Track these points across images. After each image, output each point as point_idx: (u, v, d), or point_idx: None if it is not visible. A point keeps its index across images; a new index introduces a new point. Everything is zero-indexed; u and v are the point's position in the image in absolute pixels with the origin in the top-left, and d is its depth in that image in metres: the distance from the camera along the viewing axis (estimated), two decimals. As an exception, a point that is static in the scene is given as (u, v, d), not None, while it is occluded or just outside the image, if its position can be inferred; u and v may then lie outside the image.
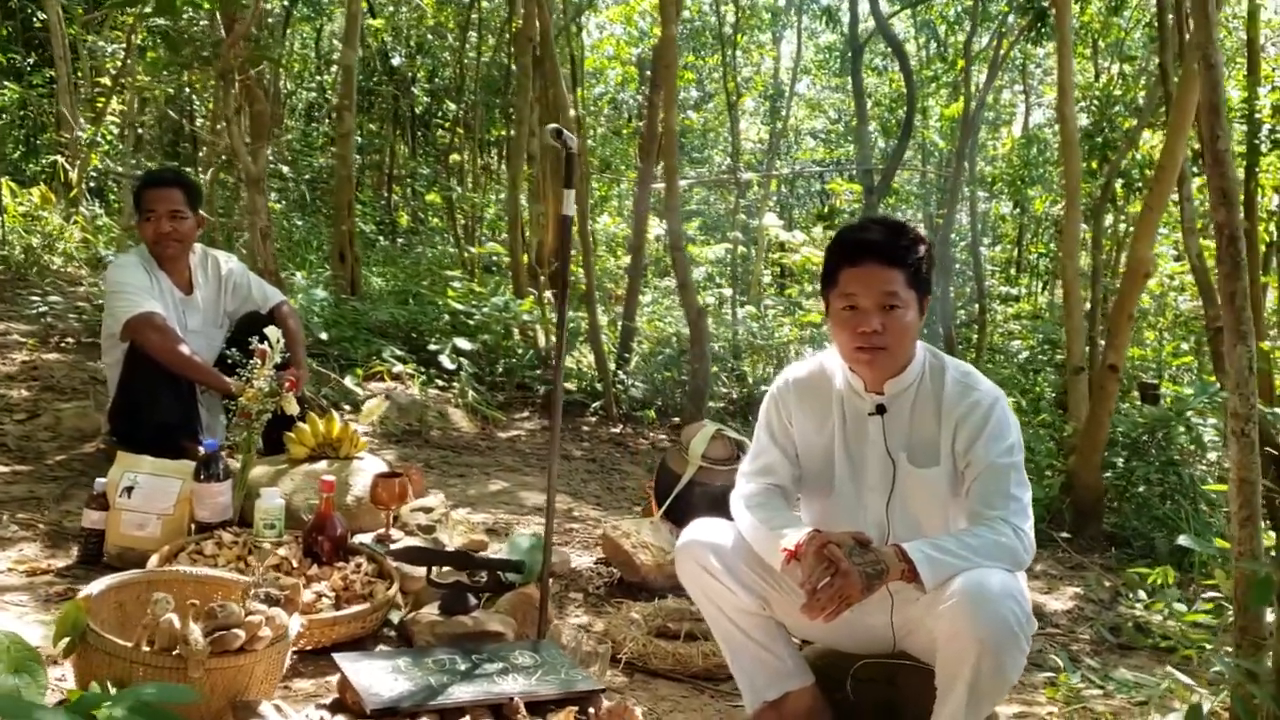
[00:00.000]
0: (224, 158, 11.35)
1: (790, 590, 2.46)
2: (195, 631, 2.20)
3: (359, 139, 12.26)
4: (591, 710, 2.47)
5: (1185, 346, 10.60)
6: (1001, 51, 10.89)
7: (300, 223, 12.32)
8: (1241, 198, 6.63)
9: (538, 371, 6.80)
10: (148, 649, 2.17)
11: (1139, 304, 7.73)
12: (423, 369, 6.20)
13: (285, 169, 12.49)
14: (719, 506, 3.69)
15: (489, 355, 6.87)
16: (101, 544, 3.13)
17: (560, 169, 9.47)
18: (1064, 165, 5.23)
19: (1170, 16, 5.56)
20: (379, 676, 2.43)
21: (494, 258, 11.26)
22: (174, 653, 2.16)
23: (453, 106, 13.55)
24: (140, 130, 12.69)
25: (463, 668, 2.53)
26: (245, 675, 2.24)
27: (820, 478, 2.58)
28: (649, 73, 8.55)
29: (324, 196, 14.50)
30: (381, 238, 13.22)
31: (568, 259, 2.77)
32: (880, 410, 2.48)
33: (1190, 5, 2.74)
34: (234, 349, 3.49)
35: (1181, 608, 3.70)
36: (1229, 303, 2.60)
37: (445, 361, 6.26)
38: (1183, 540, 3.64)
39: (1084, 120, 8.20)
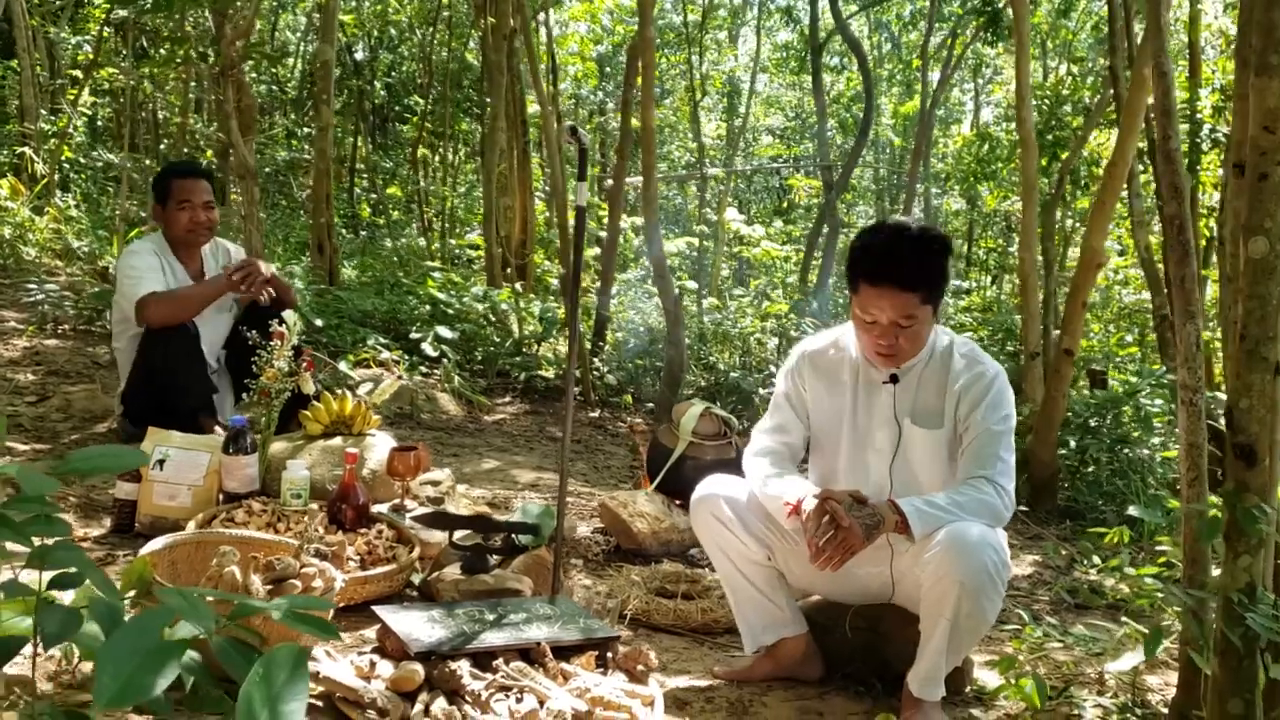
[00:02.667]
0: (186, 150, 11.47)
1: (794, 542, 2.73)
2: (256, 582, 2.42)
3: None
4: (609, 655, 2.72)
5: (1129, 338, 11.02)
6: (955, 52, 11.24)
7: (263, 215, 12.41)
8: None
9: (516, 359, 7.03)
10: (211, 599, 2.39)
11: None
12: (406, 356, 6.41)
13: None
14: (708, 479, 3.96)
15: (467, 343, 7.09)
16: (134, 514, 3.33)
17: (527, 163, 9.72)
18: (1021, 163, 5.53)
19: (1121, 23, 5.89)
20: (417, 625, 2.65)
21: (458, 250, 11.44)
22: (235, 601, 2.38)
23: (420, 101, 13.68)
24: (100, 122, 12.72)
25: (490, 618, 2.76)
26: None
27: (829, 439, 2.84)
28: (624, 71, 8.77)
29: (284, 189, 14.59)
30: (344, 230, 13.36)
31: (581, 248, 2.99)
32: (893, 380, 2.75)
33: (1145, 17, 3.03)
34: (254, 331, 3.68)
35: (1131, 570, 4.01)
36: (1179, 286, 2.89)
37: (428, 349, 6.48)
38: (1133, 510, 3.96)
39: (1033, 119, 8.55)
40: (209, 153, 11.37)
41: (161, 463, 3.33)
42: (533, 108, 11.11)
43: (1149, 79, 4.67)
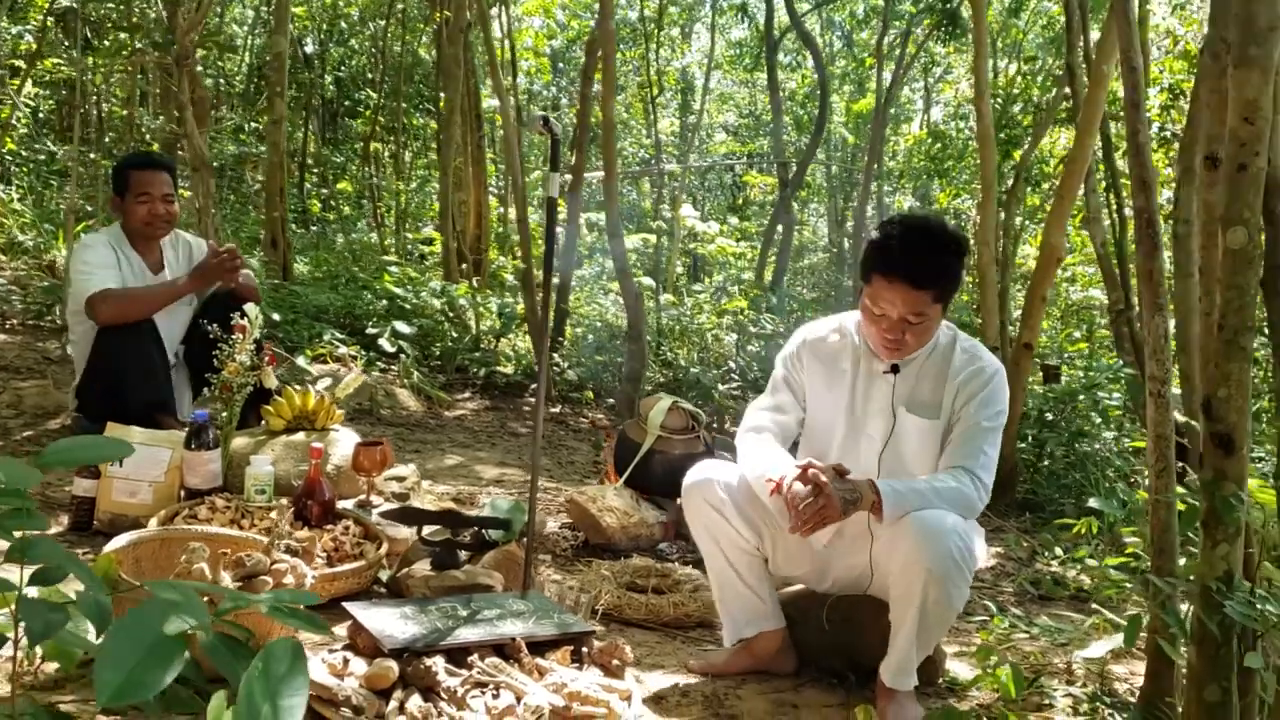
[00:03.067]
0: (133, 143, 11.24)
1: (779, 525, 2.74)
2: (225, 578, 2.37)
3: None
4: (585, 650, 2.70)
5: (1077, 334, 11.16)
6: (909, 50, 11.31)
7: (212, 210, 12.20)
8: (1127, 191, 7.07)
9: (475, 354, 6.97)
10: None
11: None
12: (363, 352, 6.34)
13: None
14: (676, 474, 3.95)
15: (424, 339, 7.02)
16: (92, 511, 3.25)
17: (482, 158, 9.66)
18: (980, 159, 5.58)
19: (1076, 19, 5.95)
20: (390, 621, 2.61)
21: (410, 245, 11.35)
22: (205, 599, 2.32)
23: (372, 95, 13.55)
24: (41, 114, 12.42)
25: (464, 613, 2.72)
26: (269, 621, 2.40)
27: (824, 425, 2.84)
28: (582, 65, 8.72)
29: (233, 184, 14.36)
30: (295, 225, 13.19)
31: (553, 239, 2.96)
32: (894, 370, 2.75)
33: (1111, 12, 3.05)
34: (214, 324, 3.59)
35: (1093, 562, 4.07)
36: (1147, 279, 2.92)
37: (385, 344, 6.41)
38: (1093, 503, 4.00)
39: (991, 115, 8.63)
40: (154, 145, 11.16)
41: (121, 459, 3.25)
42: (486, 102, 11.04)
43: (1108, 75, 4.73)
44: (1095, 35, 5.63)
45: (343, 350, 6.14)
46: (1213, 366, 2.04)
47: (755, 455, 2.74)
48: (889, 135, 17.24)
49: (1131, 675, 3.27)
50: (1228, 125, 2.01)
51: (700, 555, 3.69)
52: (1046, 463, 5.86)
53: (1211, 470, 2.06)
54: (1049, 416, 5.94)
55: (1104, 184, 6.05)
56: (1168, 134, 8.76)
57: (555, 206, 2.98)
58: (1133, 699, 3.02)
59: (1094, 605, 3.32)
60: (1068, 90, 6.10)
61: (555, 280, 7.79)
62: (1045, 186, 10.86)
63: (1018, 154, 8.93)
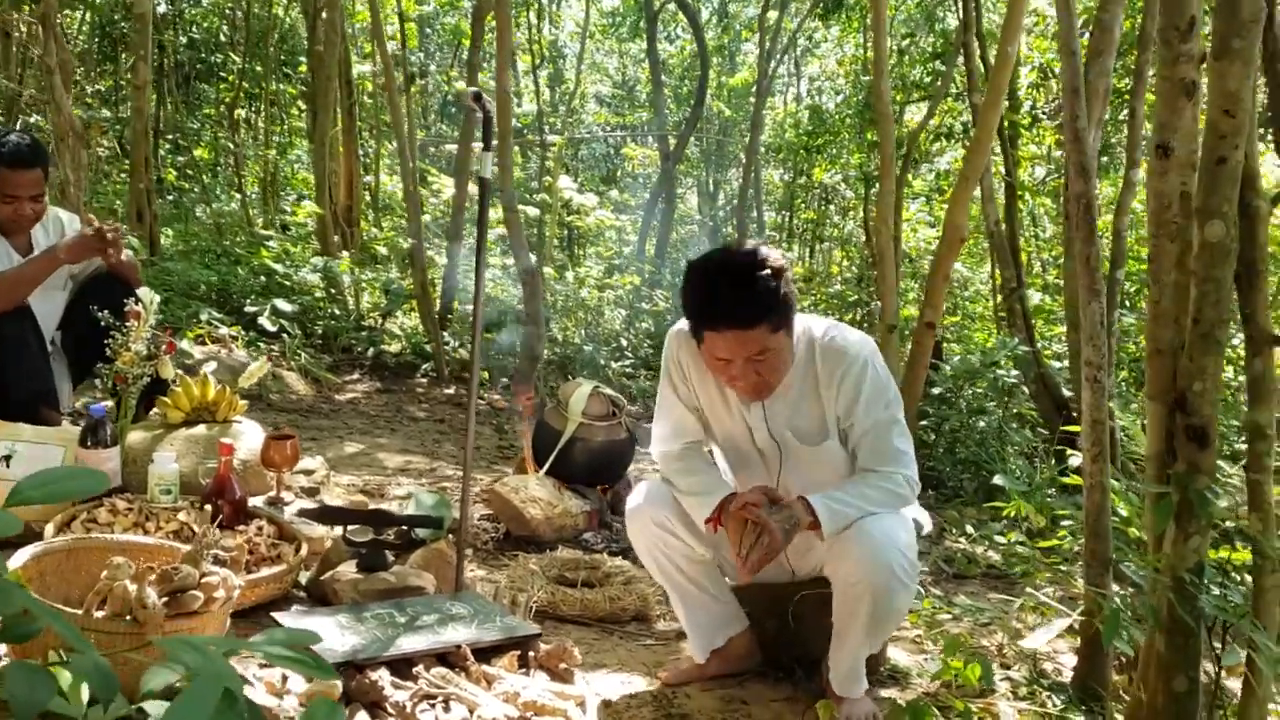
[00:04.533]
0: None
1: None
2: (151, 595, 2.17)
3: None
4: (531, 654, 2.59)
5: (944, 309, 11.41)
6: (786, 26, 11.34)
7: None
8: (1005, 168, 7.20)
9: (361, 333, 6.71)
10: (100, 615, 2.13)
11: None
12: (244, 331, 6.01)
13: (39, 119, 11.64)
14: (599, 461, 3.86)
15: (304, 317, 6.72)
16: (-25, 517, 2.97)
17: (353, 127, 9.31)
18: (879, 136, 5.59)
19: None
20: (326, 632, 2.46)
21: (274, 217, 10.91)
22: (128, 617, 2.13)
23: (233, 59, 12.95)
24: None
25: (402, 620, 2.59)
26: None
27: (720, 430, 2.67)
28: (472, 34, 8.45)
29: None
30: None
31: (485, 222, 2.82)
32: None
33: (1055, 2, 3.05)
34: (106, 310, 3.32)
35: (1005, 539, 4.14)
36: (1084, 264, 2.94)
37: (266, 323, 6.10)
38: (998, 479, 4.05)
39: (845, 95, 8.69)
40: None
41: (8, 459, 2.99)
42: (356, 68, 10.65)
43: (1011, 56, 4.79)
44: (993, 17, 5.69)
45: (223, 331, 5.81)
46: (1187, 360, 2.03)
47: (684, 492, 2.59)
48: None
49: (1055, 654, 3.32)
50: (1207, 118, 1.99)
51: (626, 544, 3.62)
52: (934, 437, 5.94)
53: (1185, 463, 2.06)
54: (935, 391, 6.01)
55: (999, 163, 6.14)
56: (1038, 113, 8.98)
57: (489, 186, 2.83)
58: (1061, 679, 3.06)
59: (1029, 590, 3.34)
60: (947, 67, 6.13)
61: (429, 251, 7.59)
62: (918, 163, 11.02)
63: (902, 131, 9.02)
